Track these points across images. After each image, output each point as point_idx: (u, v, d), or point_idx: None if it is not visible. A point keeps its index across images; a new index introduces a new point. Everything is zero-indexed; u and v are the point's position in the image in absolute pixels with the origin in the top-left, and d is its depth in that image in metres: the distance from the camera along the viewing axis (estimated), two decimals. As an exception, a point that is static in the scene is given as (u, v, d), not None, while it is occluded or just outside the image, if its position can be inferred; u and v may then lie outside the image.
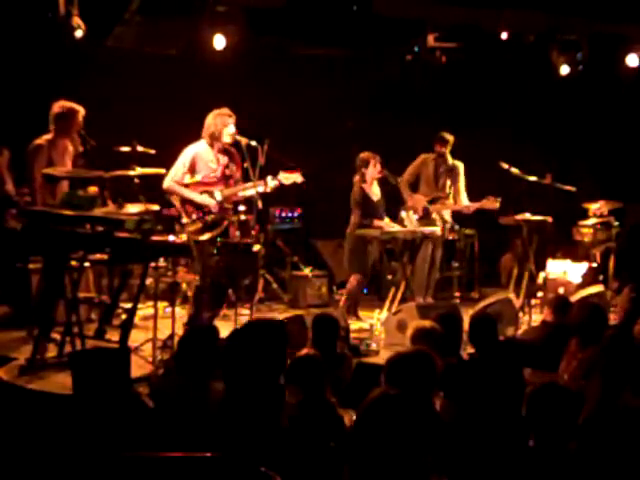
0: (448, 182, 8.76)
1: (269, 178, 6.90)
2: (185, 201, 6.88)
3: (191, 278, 8.00)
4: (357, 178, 8.18)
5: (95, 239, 5.79)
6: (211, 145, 6.92)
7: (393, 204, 8.46)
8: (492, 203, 8.40)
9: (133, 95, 8.96)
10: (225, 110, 6.90)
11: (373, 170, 8.13)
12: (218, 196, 6.87)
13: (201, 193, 6.86)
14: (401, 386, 3.54)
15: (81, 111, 6.60)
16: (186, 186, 6.87)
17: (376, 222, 8.02)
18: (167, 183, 6.86)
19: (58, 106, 6.58)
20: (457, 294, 9.30)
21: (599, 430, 3.52)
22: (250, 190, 6.82)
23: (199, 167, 6.88)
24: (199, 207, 6.82)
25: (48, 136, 6.63)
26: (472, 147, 10.43)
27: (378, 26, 9.35)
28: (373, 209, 8.13)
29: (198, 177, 6.87)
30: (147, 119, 8.66)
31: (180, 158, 6.89)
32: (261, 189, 6.85)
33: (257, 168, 6.76)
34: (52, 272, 6.04)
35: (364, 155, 8.16)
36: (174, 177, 6.85)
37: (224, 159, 6.98)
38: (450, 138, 8.73)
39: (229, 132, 6.87)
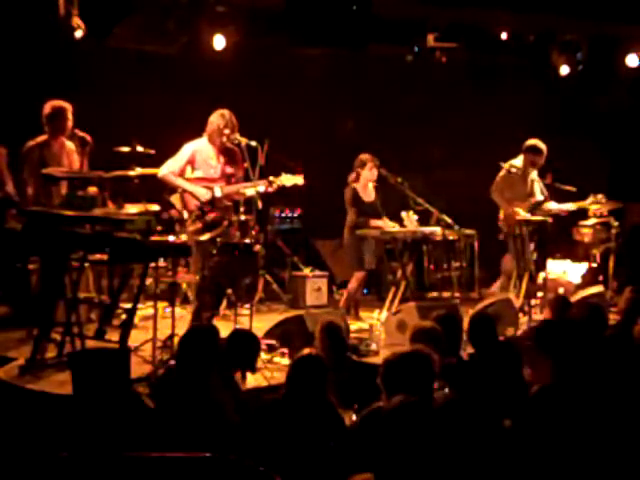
0: (538, 187, 8.61)
1: (270, 178, 6.91)
2: (184, 196, 6.89)
3: (191, 278, 8.02)
4: (352, 177, 8.19)
5: (95, 239, 5.79)
6: (212, 143, 6.93)
7: (393, 204, 8.45)
8: (600, 200, 8.28)
9: (133, 95, 8.96)
10: (225, 111, 6.92)
11: (368, 173, 8.13)
12: (218, 192, 6.87)
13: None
14: (398, 387, 3.54)
15: (69, 108, 6.64)
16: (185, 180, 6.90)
17: (372, 221, 8.03)
18: (162, 172, 6.87)
19: (48, 106, 6.63)
20: (457, 294, 9.28)
21: (601, 432, 3.52)
22: (251, 189, 6.84)
23: (198, 163, 6.91)
24: (201, 205, 6.81)
25: (43, 137, 6.68)
26: (472, 147, 10.45)
27: (378, 26, 9.34)
28: (365, 209, 8.13)
29: (198, 173, 6.89)
30: (147, 119, 8.66)
31: (179, 152, 6.93)
32: (262, 189, 6.86)
33: (257, 168, 6.77)
34: (52, 272, 6.04)
35: (363, 157, 8.16)
36: (170, 168, 6.87)
37: (224, 158, 6.99)
38: (544, 148, 8.45)
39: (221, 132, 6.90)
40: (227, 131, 6.86)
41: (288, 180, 7.02)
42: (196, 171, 6.90)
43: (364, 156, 8.17)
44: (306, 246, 10.10)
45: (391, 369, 3.83)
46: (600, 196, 8.39)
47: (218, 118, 6.91)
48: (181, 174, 6.89)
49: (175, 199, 7.18)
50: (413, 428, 2.70)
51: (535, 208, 8.35)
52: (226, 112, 6.92)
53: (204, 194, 6.83)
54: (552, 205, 8.51)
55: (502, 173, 8.51)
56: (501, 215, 8.49)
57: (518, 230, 8.32)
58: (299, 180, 7.07)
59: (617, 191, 9.79)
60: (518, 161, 8.54)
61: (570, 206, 8.48)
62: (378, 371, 3.86)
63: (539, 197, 8.53)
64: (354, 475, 2.82)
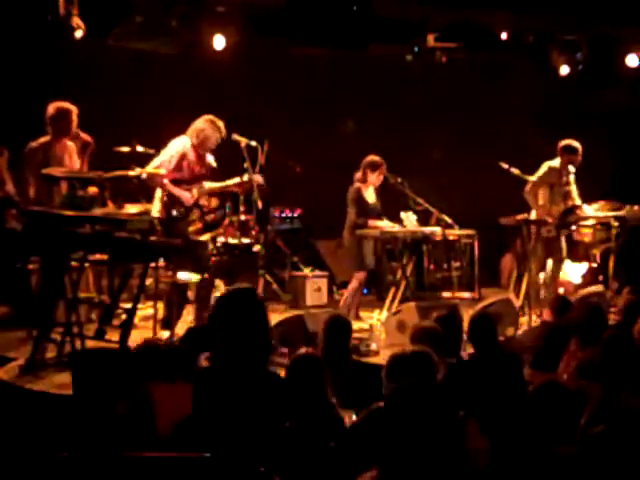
0: (574, 191, 8.57)
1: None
2: (167, 199, 6.88)
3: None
4: (358, 176, 8.12)
5: (95, 239, 5.79)
6: (194, 148, 6.90)
7: (392, 205, 8.45)
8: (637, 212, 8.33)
9: (133, 95, 8.96)
10: (220, 123, 6.91)
11: (377, 177, 8.07)
12: (194, 193, 6.88)
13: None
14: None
15: (74, 110, 6.65)
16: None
17: (371, 222, 8.02)
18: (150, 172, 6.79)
19: (52, 107, 6.64)
20: (457, 294, 9.27)
21: (601, 432, 3.52)
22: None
23: (182, 165, 6.86)
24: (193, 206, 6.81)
25: (45, 138, 6.69)
26: (472, 147, 10.45)
27: (378, 26, 9.35)
28: (368, 210, 8.11)
29: (179, 174, 6.87)
30: (147, 119, 8.66)
31: (168, 150, 6.84)
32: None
33: (257, 168, 6.78)
34: (52, 272, 6.05)
35: (375, 159, 8.04)
36: (162, 169, 6.75)
37: (200, 161, 6.99)
38: (578, 146, 8.47)
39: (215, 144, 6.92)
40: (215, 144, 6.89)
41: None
42: (178, 172, 6.86)
43: (377, 159, 8.04)
44: (306, 246, 10.11)
45: (396, 366, 3.81)
46: (637, 207, 8.41)
47: (213, 131, 6.86)
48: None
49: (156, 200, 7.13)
50: (415, 410, 2.66)
51: (568, 212, 8.29)
52: (219, 122, 6.88)
53: (188, 198, 6.80)
54: (587, 210, 8.48)
55: (539, 174, 8.45)
56: (532, 217, 8.42)
57: (526, 231, 8.31)
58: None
59: (618, 191, 9.79)
60: (556, 162, 8.52)
61: (603, 212, 8.45)
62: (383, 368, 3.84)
63: (578, 201, 8.49)
64: (360, 475, 2.80)
